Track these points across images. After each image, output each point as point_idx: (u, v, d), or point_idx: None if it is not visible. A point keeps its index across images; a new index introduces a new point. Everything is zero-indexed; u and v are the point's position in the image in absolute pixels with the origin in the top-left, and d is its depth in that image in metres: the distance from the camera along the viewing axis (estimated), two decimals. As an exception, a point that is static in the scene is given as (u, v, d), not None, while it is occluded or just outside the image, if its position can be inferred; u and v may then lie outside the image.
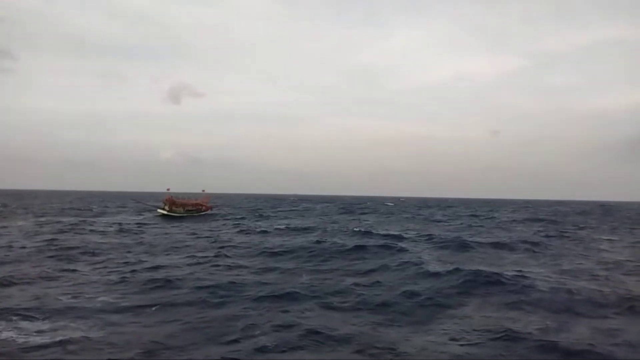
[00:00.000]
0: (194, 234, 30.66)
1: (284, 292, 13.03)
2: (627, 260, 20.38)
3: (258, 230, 33.43)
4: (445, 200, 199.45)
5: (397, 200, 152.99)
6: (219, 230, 33.69)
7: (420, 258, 19.17)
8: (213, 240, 26.59)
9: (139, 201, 76.99)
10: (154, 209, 56.05)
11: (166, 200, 51.10)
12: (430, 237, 28.48)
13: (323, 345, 8.84)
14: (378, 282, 14.91)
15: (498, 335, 9.39)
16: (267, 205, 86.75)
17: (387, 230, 33.84)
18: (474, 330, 9.87)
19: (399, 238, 27.63)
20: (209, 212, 56.00)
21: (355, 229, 32.86)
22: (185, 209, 51.57)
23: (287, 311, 11.20)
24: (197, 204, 54.85)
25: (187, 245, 24.10)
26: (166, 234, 30.57)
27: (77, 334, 9.23)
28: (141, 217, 49.18)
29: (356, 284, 14.51)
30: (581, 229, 40.17)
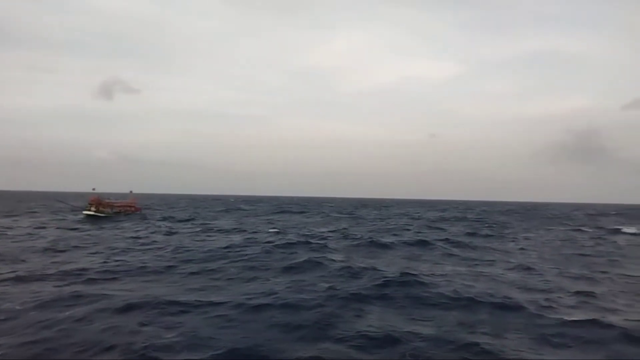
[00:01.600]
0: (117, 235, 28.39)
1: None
2: (525, 259, 20.70)
3: (173, 231, 31.69)
4: (384, 200, 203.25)
5: (338, 201, 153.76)
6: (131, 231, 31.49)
7: (324, 257, 18.43)
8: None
9: (61, 201, 71.87)
10: (78, 209, 52.49)
11: (92, 200, 48.70)
12: (347, 236, 28.09)
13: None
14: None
15: (375, 338, 8.67)
16: (203, 206, 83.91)
17: (300, 230, 33.18)
18: (358, 332, 9.07)
19: (311, 237, 27.10)
20: (137, 213, 54.09)
21: (270, 230, 32.32)
22: (113, 210, 50.09)
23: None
24: (125, 205, 53.59)
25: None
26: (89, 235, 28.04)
27: None
28: (59, 218, 45.46)
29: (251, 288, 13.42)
30: (503, 227, 41.52)
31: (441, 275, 15.67)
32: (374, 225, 41.51)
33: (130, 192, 59.94)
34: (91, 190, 52.22)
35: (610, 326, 9.80)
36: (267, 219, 48.55)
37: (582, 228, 42.79)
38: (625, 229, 40.35)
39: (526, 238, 31.57)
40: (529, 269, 17.67)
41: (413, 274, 14.81)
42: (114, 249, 21.51)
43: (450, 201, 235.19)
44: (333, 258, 18.40)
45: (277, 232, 30.54)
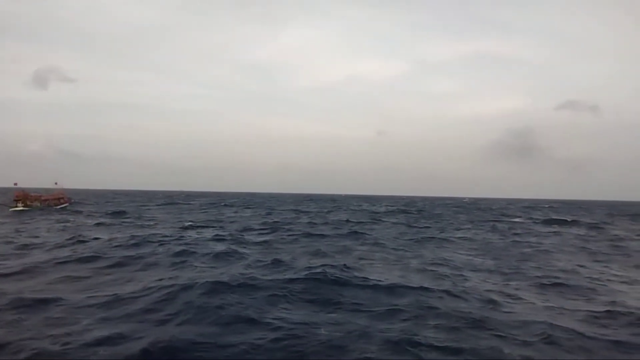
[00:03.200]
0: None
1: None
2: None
3: (90, 224, 29.49)
4: (332, 196, 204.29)
5: (286, 197, 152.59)
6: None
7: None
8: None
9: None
10: (4, 205, 48.76)
11: (18, 195, 47.26)
12: (277, 229, 27.26)
13: None
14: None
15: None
16: (140, 201, 79.98)
17: (224, 224, 31.88)
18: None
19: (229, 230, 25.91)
20: (66, 205, 53.45)
21: (186, 223, 31.08)
22: (42, 203, 49.64)
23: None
24: (54, 198, 52.91)
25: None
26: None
27: None
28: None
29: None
30: (439, 220, 42.09)
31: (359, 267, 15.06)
32: (311, 218, 40.83)
33: (55, 183, 57.73)
34: (13, 186, 50.05)
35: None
36: (205, 212, 46.75)
37: (515, 219, 44.39)
38: (521, 218, 42.22)
39: (457, 229, 32.00)
40: (445, 259, 17.49)
41: (333, 265, 14.09)
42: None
43: (396, 197, 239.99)
44: (242, 251, 17.46)
45: (192, 227, 28.73)
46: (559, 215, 51.86)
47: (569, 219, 43.82)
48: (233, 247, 18.57)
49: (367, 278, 12.48)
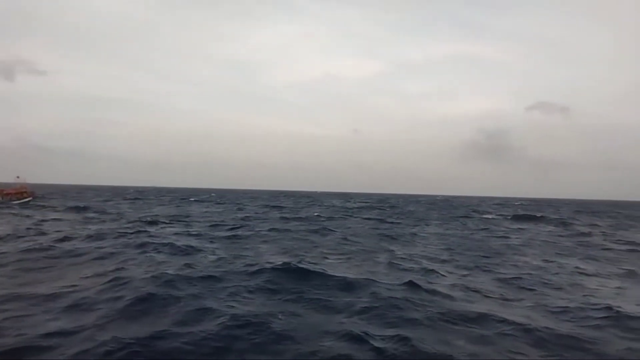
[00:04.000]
0: None
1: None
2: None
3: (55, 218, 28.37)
4: (308, 192, 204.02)
5: (262, 193, 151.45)
6: None
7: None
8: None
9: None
10: None
11: None
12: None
13: None
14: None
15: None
16: (111, 196, 77.86)
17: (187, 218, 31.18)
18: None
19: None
20: (29, 199, 51.51)
21: (149, 218, 30.16)
22: (4, 197, 49.52)
23: None
24: (17, 192, 51.93)
25: None
26: None
27: None
28: None
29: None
30: (410, 216, 42.23)
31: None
32: (282, 213, 40.35)
33: (17, 177, 55.58)
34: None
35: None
36: (176, 207, 45.67)
37: (485, 216, 44.94)
38: (494, 215, 42.90)
39: (427, 225, 32.07)
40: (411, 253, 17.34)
41: (298, 259, 13.75)
42: None
43: (372, 194, 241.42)
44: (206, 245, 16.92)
45: (157, 222, 27.79)
46: (527, 212, 52.80)
47: (537, 215, 44.60)
48: (196, 241, 18.01)
49: (328, 272, 12.18)
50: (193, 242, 17.66)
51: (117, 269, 11.99)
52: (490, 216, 45.70)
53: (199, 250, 15.61)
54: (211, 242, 18.54)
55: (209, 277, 11.12)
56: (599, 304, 9.92)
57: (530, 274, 13.76)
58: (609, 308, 9.52)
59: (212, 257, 14.31)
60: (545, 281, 12.71)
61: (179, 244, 16.56)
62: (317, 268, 12.81)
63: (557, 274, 13.98)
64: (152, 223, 26.08)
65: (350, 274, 12.16)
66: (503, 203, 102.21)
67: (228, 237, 20.32)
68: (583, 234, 27.90)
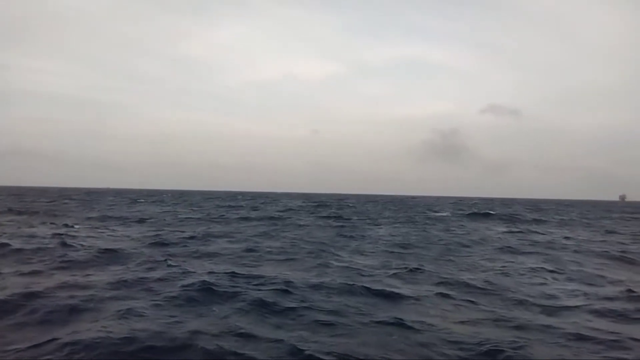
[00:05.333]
0: None
1: None
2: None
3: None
4: (268, 194, 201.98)
5: (221, 194, 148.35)
6: None
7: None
8: None
9: None
10: None
11: None
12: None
13: None
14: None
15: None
16: (50, 198, 73.50)
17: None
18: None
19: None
20: None
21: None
22: None
23: None
24: None
25: None
26: None
27: None
28: None
29: None
30: (359, 218, 41.74)
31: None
32: (209, 216, 38.95)
33: None
34: None
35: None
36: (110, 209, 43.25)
37: (438, 214, 45.10)
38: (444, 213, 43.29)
39: (377, 225, 31.55)
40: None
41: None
42: None
43: (330, 194, 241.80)
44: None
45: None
46: (479, 210, 53.54)
47: (489, 213, 45.13)
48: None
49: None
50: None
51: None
52: (443, 214, 45.91)
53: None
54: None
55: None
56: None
57: (471, 271, 13.20)
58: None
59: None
60: (483, 279, 12.14)
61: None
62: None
63: (498, 271, 13.48)
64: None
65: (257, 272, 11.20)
66: (458, 202, 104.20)
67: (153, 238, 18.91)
68: (530, 231, 28.09)
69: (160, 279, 10.42)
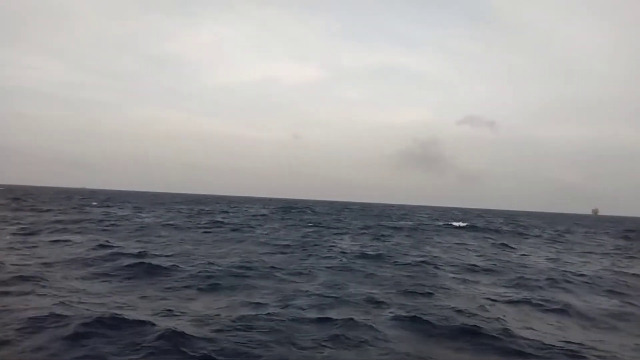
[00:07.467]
0: None
1: None
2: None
3: None
4: (247, 199, 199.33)
5: (199, 197, 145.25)
6: None
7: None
8: None
9: None
10: None
11: None
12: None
13: None
14: None
15: None
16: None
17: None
18: None
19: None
20: None
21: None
22: None
23: None
24: None
25: None
26: None
27: None
28: None
29: None
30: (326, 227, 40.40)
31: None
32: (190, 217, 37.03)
33: None
34: None
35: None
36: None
37: (412, 223, 43.99)
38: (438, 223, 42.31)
39: (345, 233, 30.13)
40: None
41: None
42: None
43: (308, 200, 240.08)
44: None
45: None
46: (455, 221, 52.68)
47: (463, 225, 44.15)
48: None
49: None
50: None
51: None
52: (415, 223, 44.83)
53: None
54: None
55: None
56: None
57: (429, 285, 11.76)
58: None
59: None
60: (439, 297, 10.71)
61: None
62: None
63: (458, 285, 12.07)
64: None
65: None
66: (433, 212, 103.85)
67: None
68: (494, 240, 27.07)
69: None
